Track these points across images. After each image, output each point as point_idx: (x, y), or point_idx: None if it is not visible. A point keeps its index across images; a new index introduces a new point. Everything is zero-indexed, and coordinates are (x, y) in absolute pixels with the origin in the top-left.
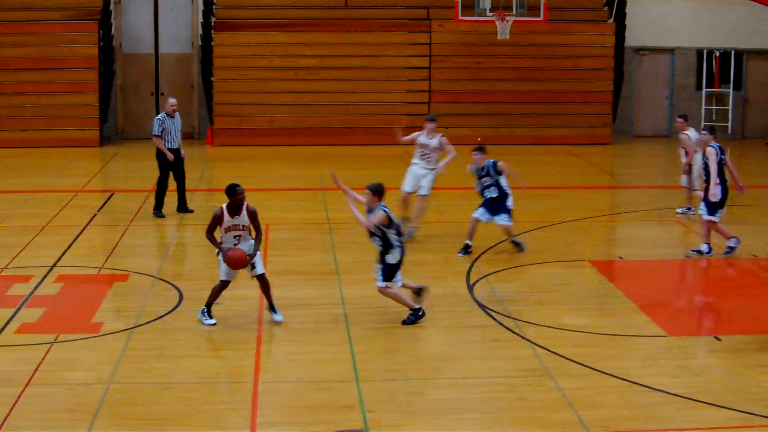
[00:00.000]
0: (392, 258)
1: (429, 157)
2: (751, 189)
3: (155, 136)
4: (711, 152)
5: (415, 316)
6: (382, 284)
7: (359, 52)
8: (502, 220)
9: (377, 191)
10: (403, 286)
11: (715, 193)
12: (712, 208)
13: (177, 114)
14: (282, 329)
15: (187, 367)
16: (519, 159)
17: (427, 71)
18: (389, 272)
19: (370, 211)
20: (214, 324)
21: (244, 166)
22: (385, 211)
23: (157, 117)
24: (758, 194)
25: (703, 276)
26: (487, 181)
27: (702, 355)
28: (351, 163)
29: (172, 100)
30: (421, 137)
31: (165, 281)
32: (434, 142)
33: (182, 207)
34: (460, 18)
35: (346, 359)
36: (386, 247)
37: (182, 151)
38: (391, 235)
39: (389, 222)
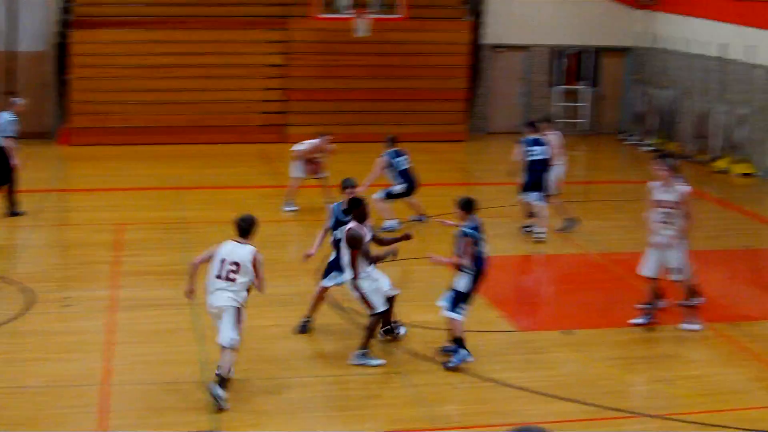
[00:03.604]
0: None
1: None
2: (604, 184)
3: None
4: (520, 145)
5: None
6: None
7: (217, 49)
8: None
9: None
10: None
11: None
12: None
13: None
14: (133, 330)
15: (36, 370)
16: (374, 156)
17: (285, 69)
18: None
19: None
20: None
21: (100, 165)
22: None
23: (10, 118)
24: (610, 189)
25: (554, 271)
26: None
27: (552, 349)
28: (208, 161)
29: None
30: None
31: (13, 283)
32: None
33: (11, 208)
34: (318, 15)
35: (197, 360)
36: None
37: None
38: None
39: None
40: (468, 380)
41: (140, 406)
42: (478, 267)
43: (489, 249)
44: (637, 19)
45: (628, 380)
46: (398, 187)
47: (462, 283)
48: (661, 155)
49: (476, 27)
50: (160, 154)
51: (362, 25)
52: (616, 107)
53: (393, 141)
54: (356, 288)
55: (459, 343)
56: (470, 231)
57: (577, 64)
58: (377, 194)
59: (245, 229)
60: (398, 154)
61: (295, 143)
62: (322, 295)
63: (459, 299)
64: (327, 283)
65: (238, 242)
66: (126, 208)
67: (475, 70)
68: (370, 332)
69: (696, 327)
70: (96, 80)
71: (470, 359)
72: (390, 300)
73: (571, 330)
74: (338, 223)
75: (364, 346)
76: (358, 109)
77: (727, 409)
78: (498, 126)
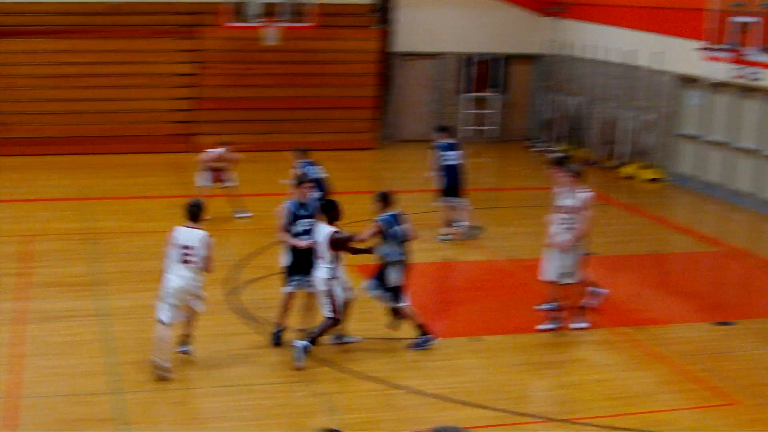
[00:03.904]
0: None
1: None
2: (512, 191)
3: None
4: (435, 151)
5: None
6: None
7: (127, 59)
8: None
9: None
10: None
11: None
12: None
13: None
14: (43, 342)
15: None
16: (286, 166)
17: (196, 78)
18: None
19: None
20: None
21: (6, 175)
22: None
23: None
24: (518, 196)
25: (463, 277)
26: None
27: (461, 355)
28: (117, 171)
29: None
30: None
31: None
32: None
33: None
34: (228, 24)
35: (106, 371)
36: None
37: None
38: None
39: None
40: (378, 388)
41: (50, 419)
42: (393, 255)
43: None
44: (544, 26)
45: (536, 385)
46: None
47: (392, 277)
48: (558, 160)
49: (385, 35)
50: (69, 164)
51: (271, 34)
52: (525, 114)
53: (304, 152)
54: (328, 288)
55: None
56: (382, 219)
57: (486, 72)
58: None
59: (195, 213)
60: (311, 164)
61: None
62: (288, 302)
63: (393, 291)
64: (289, 289)
65: (190, 227)
66: (34, 219)
67: (385, 78)
68: (322, 332)
69: (583, 325)
70: (2, 90)
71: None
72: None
73: (480, 336)
74: (295, 218)
75: (312, 342)
76: (269, 118)
77: (634, 412)
78: (408, 134)
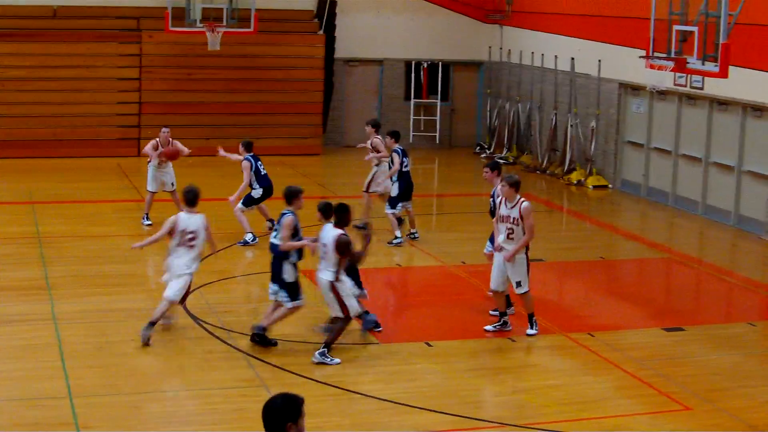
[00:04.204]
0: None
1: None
2: (457, 197)
3: None
4: (395, 156)
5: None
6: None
7: (70, 63)
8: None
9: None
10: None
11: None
12: (393, 202)
13: None
14: None
15: None
16: (231, 170)
17: (138, 82)
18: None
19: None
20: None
21: None
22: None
23: None
24: (464, 202)
25: (414, 283)
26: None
27: (415, 360)
28: (64, 175)
29: None
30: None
31: None
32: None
33: None
34: (171, 29)
35: (59, 375)
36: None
37: None
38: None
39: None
40: (333, 392)
41: (7, 423)
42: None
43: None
44: (488, 33)
45: (490, 390)
46: (256, 192)
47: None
48: (494, 165)
49: (330, 41)
50: (15, 168)
51: (214, 39)
52: (471, 121)
53: (249, 146)
54: (334, 291)
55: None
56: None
57: (431, 78)
58: (239, 205)
59: (192, 199)
60: (256, 158)
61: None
62: (287, 316)
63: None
64: (299, 303)
65: (190, 212)
66: None
67: (329, 84)
68: (338, 334)
69: (533, 332)
70: None
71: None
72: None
73: (433, 341)
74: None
75: (328, 346)
76: (213, 123)
77: (589, 417)
78: (353, 139)
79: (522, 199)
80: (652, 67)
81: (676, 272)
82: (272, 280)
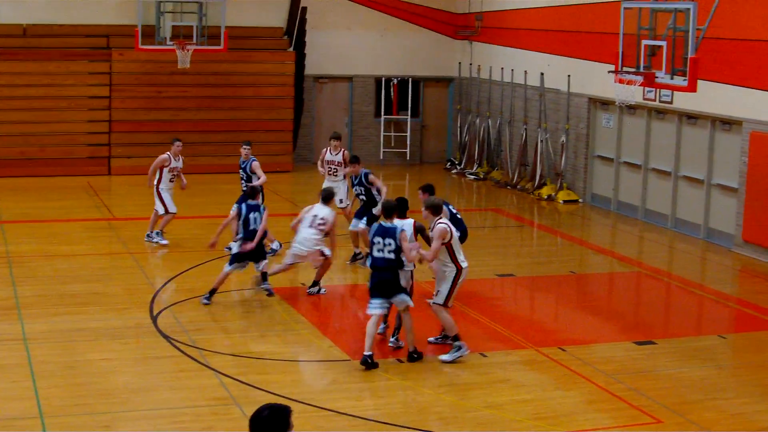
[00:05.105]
0: None
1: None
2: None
3: None
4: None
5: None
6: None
7: (39, 81)
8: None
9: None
10: None
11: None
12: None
13: None
14: None
15: None
16: (202, 188)
17: (108, 100)
18: None
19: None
20: None
21: None
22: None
23: None
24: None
25: None
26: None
27: (385, 377)
28: (33, 194)
29: None
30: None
31: None
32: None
33: None
34: (141, 47)
35: (30, 395)
36: None
37: None
38: None
39: None
40: (304, 409)
41: None
42: None
43: None
44: (459, 49)
45: (460, 406)
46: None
47: None
48: (426, 188)
49: (300, 58)
50: None
51: (184, 57)
52: (441, 137)
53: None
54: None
55: None
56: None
57: (402, 95)
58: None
59: (326, 198)
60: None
61: (121, 175)
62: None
63: None
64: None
65: (322, 206)
66: None
67: (299, 101)
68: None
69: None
70: None
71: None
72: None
73: (402, 358)
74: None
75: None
76: (185, 141)
77: (560, 431)
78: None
79: (437, 219)
80: (621, 81)
81: (646, 286)
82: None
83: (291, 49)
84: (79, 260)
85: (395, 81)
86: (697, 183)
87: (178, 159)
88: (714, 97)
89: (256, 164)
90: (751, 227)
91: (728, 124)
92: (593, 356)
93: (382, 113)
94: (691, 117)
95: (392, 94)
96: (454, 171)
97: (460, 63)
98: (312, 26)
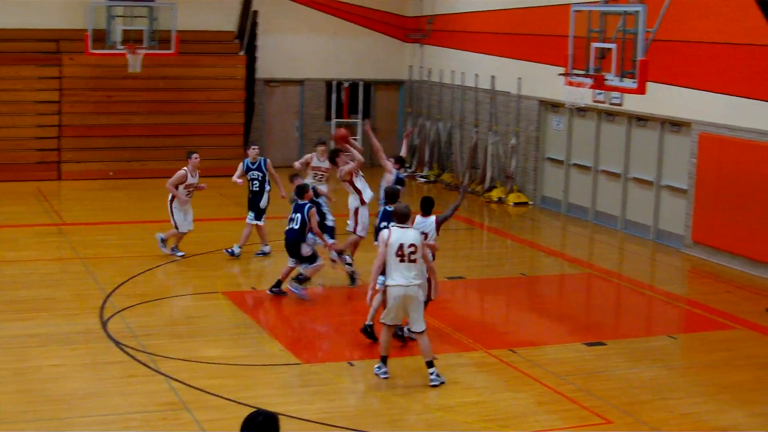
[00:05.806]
0: None
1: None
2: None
3: None
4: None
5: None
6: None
7: None
8: None
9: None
10: None
11: None
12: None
13: None
14: None
15: None
16: (153, 193)
17: (58, 105)
18: None
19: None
20: None
21: None
22: None
23: None
24: None
25: (330, 303)
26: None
27: (336, 380)
28: None
29: None
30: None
31: None
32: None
33: None
34: (91, 51)
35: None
36: None
37: None
38: None
39: None
40: None
41: None
42: None
43: None
44: (409, 52)
45: (411, 408)
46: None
47: None
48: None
49: (251, 62)
50: None
51: (134, 61)
52: (392, 139)
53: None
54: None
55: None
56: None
57: (352, 98)
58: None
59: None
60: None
61: (71, 180)
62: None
63: None
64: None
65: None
66: None
67: (250, 105)
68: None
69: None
70: None
71: None
72: None
73: (353, 361)
74: None
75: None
76: (135, 146)
77: None
78: (275, 160)
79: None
80: (570, 84)
81: (596, 287)
82: None
83: (242, 53)
84: (28, 266)
85: (346, 84)
86: (647, 184)
87: (195, 174)
88: (663, 99)
89: (270, 162)
90: (700, 228)
91: (677, 125)
92: (544, 358)
93: (333, 116)
94: (641, 119)
95: (343, 97)
96: (404, 174)
97: (410, 66)
98: (263, 30)
